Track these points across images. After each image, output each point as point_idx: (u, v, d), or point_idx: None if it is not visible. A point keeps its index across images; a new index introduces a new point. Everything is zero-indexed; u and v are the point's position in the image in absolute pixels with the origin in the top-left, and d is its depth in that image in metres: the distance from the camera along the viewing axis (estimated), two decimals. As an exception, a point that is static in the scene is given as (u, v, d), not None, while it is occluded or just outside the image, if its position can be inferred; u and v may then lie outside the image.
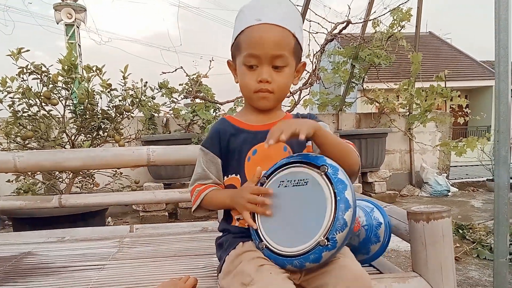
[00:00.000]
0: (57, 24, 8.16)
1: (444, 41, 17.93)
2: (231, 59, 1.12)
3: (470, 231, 3.70)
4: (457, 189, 6.19)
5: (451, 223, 1.08)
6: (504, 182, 2.01)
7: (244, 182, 1.07)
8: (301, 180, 0.93)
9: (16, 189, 3.13)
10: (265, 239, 0.95)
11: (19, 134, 2.90)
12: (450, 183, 6.22)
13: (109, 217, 4.59)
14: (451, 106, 6.40)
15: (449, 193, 5.90)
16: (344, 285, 0.85)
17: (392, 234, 1.25)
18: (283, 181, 0.95)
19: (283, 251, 0.90)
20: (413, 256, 1.12)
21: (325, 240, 0.84)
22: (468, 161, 6.07)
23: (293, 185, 0.93)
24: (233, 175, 1.09)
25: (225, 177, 1.12)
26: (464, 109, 6.14)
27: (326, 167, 0.90)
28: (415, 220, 1.07)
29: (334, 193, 0.86)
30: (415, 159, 6.27)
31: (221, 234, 1.15)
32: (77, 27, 7.98)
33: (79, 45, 8.19)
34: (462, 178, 7.02)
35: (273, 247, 0.92)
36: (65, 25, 8.03)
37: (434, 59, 15.01)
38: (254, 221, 0.98)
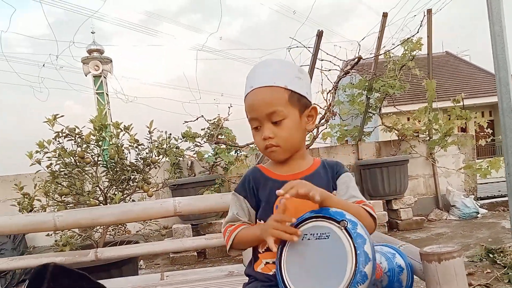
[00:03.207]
0: (86, 76, 8.67)
1: (462, 59, 17.78)
2: None
3: (501, 254, 3.50)
4: (486, 210, 6.04)
5: (463, 262, 1.12)
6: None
7: None
8: (323, 234, 0.99)
9: (55, 241, 3.33)
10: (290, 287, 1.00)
11: (56, 191, 3.12)
12: (479, 204, 6.09)
13: (141, 260, 4.76)
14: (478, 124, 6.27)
15: (479, 215, 5.78)
16: None
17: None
18: (306, 234, 1.01)
19: None
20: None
21: None
22: (498, 177, 5.91)
23: (316, 238, 0.99)
24: (261, 222, 1.16)
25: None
26: (485, 129, 6.08)
27: (346, 222, 0.96)
28: (428, 260, 1.10)
29: (354, 247, 0.92)
30: (440, 183, 6.21)
31: (247, 279, 1.22)
32: (104, 77, 8.46)
33: (107, 94, 8.66)
34: (494, 197, 6.78)
35: None
36: (93, 76, 8.52)
37: (453, 78, 14.90)
38: (281, 272, 1.03)
